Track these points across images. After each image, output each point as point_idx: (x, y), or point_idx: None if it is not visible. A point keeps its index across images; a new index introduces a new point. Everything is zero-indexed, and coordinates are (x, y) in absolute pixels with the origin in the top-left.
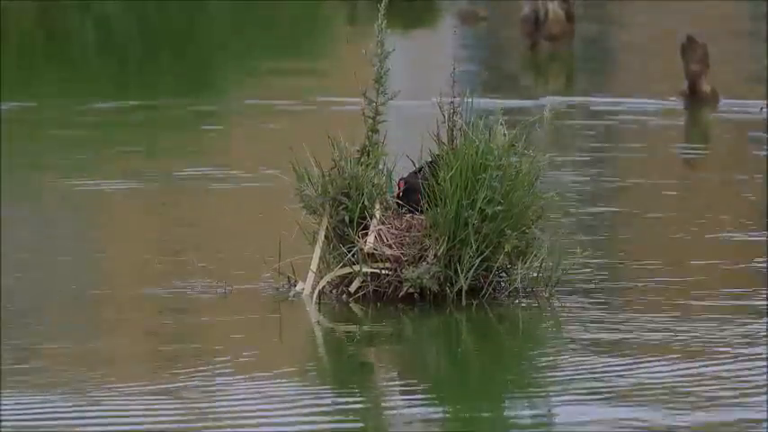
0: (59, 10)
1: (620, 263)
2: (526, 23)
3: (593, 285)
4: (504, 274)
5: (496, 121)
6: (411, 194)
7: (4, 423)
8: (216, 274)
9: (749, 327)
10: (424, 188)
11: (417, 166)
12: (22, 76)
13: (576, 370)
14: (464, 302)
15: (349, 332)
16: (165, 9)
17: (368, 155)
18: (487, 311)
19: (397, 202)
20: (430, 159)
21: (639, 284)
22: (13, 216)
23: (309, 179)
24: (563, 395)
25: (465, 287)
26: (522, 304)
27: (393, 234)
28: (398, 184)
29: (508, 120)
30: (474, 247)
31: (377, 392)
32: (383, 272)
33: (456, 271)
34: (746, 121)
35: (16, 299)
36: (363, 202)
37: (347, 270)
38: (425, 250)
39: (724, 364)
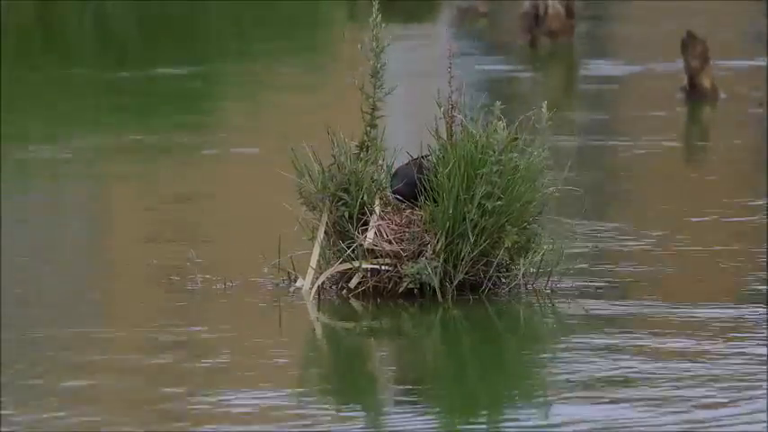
0: (59, 8)
1: (620, 253)
2: (526, 19)
3: (592, 281)
4: (503, 270)
5: (496, 116)
6: (408, 187)
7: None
8: (215, 269)
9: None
10: (420, 180)
11: (413, 158)
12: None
13: (577, 368)
14: (454, 298)
15: (349, 328)
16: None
17: (366, 150)
18: (487, 307)
19: (397, 198)
20: (426, 153)
21: (640, 277)
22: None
23: (309, 175)
24: (563, 393)
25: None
26: (522, 300)
27: (393, 230)
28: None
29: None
30: (472, 241)
31: (376, 390)
32: (383, 267)
33: (455, 266)
34: (746, 114)
35: (11, 296)
36: (363, 198)
37: (347, 266)
38: (425, 246)
39: (728, 358)
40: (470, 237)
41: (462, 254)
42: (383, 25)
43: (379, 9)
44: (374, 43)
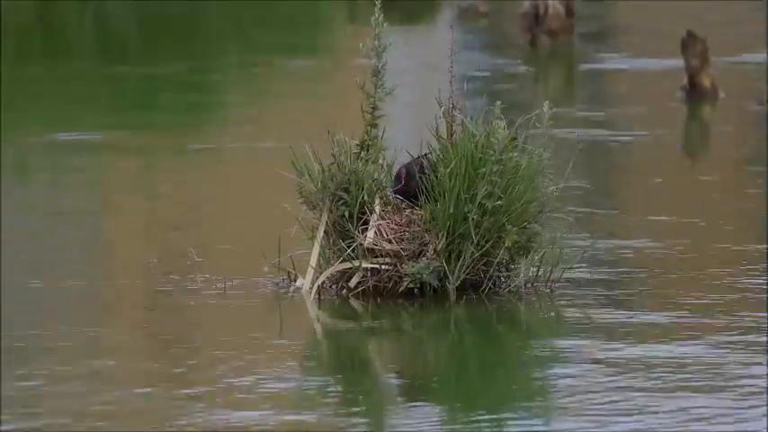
0: (59, 8)
1: (620, 249)
2: (526, 19)
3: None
4: (504, 270)
5: (496, 116)
6: (410, 182)
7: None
8: (215, 269)
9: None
10: (421, 179)
11: (414, 157)
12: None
13: (577, 368)
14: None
15: (349, 328)
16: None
17: (367, 150)
18: (487, 307)
19: (396, 195)
20: (426, 153)
21: (642, 273)
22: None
23: (309, 174)
24: (563, 393)
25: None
26: (522, 299)
27: (393, 229)
28: (402, 177)
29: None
30: (475, 242)
31: (376, 390)
32: (383, 267)
33: (456, 266)
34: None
35: (11, 295)
36: (363, 198)
37: (347, 265)
38: (425, 245)
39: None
40: (473, 237)
41: (464, 254)
42: (385, 24)
43: (381, 9)
44: (376, 42)
